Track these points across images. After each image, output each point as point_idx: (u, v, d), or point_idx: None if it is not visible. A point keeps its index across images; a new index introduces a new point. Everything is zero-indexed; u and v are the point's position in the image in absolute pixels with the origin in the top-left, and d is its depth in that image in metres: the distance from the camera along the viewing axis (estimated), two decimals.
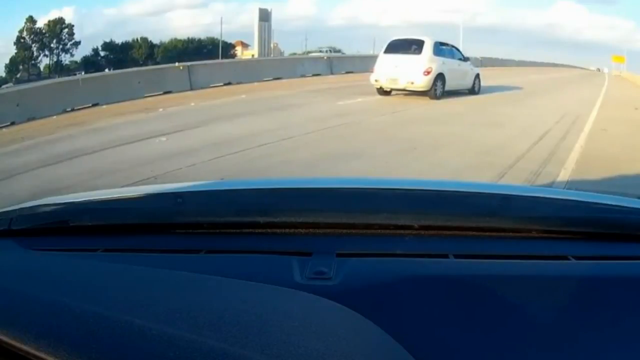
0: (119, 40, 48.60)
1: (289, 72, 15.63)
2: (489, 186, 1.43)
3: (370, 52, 19.03)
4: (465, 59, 12.00)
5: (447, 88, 10.76)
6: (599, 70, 43.29)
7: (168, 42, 49.11)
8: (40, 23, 43.76)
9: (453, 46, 11.95)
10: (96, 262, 0.70)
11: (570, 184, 4.19)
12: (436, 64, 10.49)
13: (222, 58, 36.57)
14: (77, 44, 45.32)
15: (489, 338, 0.56)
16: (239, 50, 52.29)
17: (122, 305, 0.47)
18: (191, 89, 12.59)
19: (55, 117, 9.38)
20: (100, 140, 6.47)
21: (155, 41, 48.91)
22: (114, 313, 0.45)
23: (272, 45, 53.31)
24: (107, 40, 48.02)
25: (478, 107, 9.81)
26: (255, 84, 13.76)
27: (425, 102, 10.10)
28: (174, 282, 0.57)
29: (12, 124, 8.78)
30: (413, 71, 10.28)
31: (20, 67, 42.22)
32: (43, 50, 43.89)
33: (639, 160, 5.28)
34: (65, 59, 45.23)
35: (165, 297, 0.51)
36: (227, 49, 49.59)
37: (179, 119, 8.12)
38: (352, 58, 19.59)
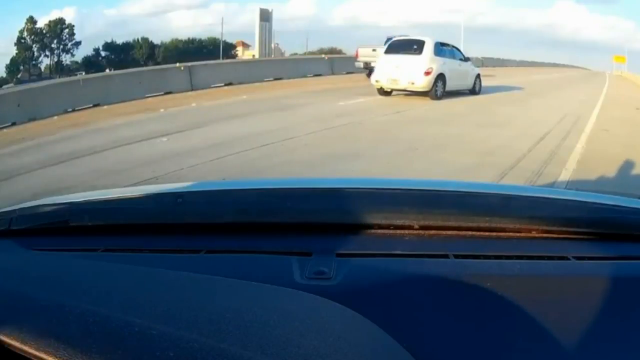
0: (119, 40, 48.70)
1: (290, 73, 15.64)
2: (489, 186, 1.43)
3: None
4: (466, 59, 11.99)
5: (447, 88, 10.76)
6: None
7: (169, 43, 49.15)
8: (41, 23, 43.83)
9: (454, 46, 11.94)
10: (96, 262, 0.70)
11: (571, 184, 4.19)
12: (437, 64, 10.49)
13: (223, 58, 36.61)
14: (77, 44, 45.40)
15: (489, 338, 0.56)
16: (240, 50, 52.30)
17: (122, 305, 0.47)
18: (192, 90, 12.61)
19: (56, 117, 9.40)
20: (101, 141, 6.48)
21: (156, 41, 48.96)
22: (114, 313, 0.45)
23: (272, 46, 53.31)
24: (108, 40, 48.14)
25: (479, 108, 9.81)
26: (257, 84, 13.77)
27: (426, 102, 10.10)
28: (174, 282, 0.57)
29: (13, 124, 8.81)
30: (414, 71, 10.28)
31: (21, 67, 42.25)
32: (44, 51, 43.94)
33: (639, 160, 5.28)
34: (66, 59, 45.30)
35: (165, 297, 0.51)
36: (228, 49, 49.60)
37: (180, 119, 8.13)
38: (353, 58, 19.57)
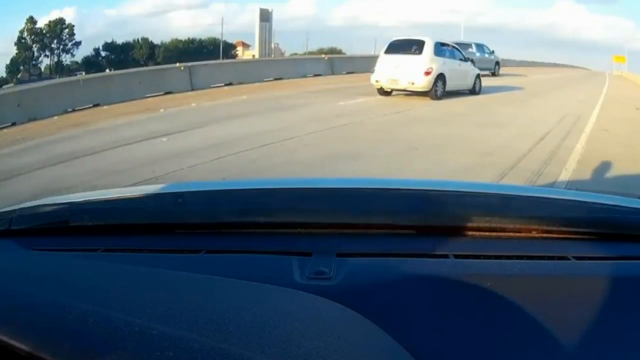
0: (119, 40, 48.63)
1: (290, 73, 15.63)
2: (489, 186, 1.43)
3: (371, 53, 19.03)
4: (466, 59, 11.98)
5: (447, 88, 10.75)
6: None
7: (169, 43, 49.11)
8: (41, 23, 43.79)
9: (454, 46, 11.94)
10: (96, 262, 0.70)
11: (571, 184, 4.19)
12: (437, 65, 10.49)
13: (223, 58, 36.61)
14: (77, 44, 45.34)
15: (489, 338, 0.56)
16: (240, 50, 52.27)
17: (122, 305, 0.47)
18: (192, 90, 12.60)
19: (56, 117, 9.40)
20: (101, 141, 6.48)
21: (156, 41, 48.91)
22: (114, 313, 0.45)
23: (272, 46, 53.30)
24: (108, 40, 48.09)
25: (479, 108, 9.80)
26: (257, 84, 13.76)
27: (426, 102, 10.10)
28: (174, 282, 0.57)
29: (13, 124, 8.81)
30: (414, 71, 10.28)
31: (21, 67, 42.24)
32: (44, 51, 43.91)
33: (639, 160, 5.28)
34: (66, 59, 45.22)
35: (165, 297, 0.51)
36: (228, 49, 49.57)
37: (180, 119, 8.13)
38: (353, 58, 19.57)
